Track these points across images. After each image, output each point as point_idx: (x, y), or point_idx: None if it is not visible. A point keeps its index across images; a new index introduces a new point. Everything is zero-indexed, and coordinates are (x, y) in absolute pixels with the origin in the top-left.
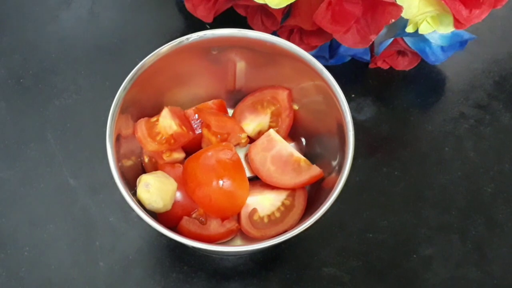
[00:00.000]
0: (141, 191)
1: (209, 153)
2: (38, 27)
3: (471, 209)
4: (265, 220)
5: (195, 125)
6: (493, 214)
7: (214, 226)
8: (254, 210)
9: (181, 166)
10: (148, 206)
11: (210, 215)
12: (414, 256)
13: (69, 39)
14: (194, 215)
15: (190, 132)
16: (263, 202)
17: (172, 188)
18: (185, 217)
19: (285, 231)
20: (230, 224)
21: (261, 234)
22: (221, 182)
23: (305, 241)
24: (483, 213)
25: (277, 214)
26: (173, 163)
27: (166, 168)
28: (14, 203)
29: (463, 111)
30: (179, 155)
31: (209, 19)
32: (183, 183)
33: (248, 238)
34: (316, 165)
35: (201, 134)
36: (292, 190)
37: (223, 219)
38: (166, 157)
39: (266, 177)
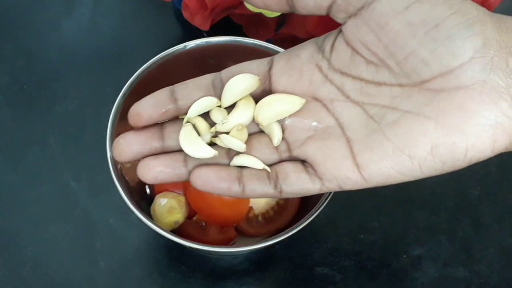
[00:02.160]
0: (170, 214)
1: None
2: (40, 35)
3: (458, 211)
4: (259, 218)
5: None
6: (479, 216)
7: (213, 233)
8: (250, 208)
9: None
10: (174, 226)
11: (212, 224)
12: (404, 256)
13: (70, 47)
14: (194, 219)
15: None
16: (259, 201)
17: (184, 199)
18: (186, 220)
19: (277, 229)
20: (229, 232)
21: (255, 231)
22: None
23: (299, 242)
24: (470, 214)
25: (271, 213)
26: None
27: None
28: (17, 205)
29: None
30: None
31: (205, 27)
32: (184, 193)
33: (243, 237)
34: None
35: None
36: None
37: (222, 227)
38: None
39: None
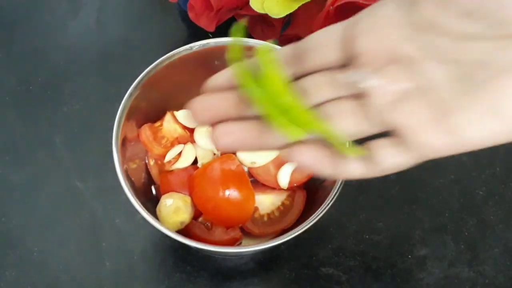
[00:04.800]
0: (176, 215)
1: (215, 166)
2: (46, 36)
3: (463, 211)
4: (265, 218)
5: None
6: (484, 216)
7: (219, 233)
8: (255, 208)
9: (186, 169)
10: (180, 226)
11: (218, 225)
12: (409, 256)
13: (76, 48)
14: (200, 220)
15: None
16: (264, 201)
17: (190, 200)
18: (192, 220)
19: (282, 230)
20: (234, 233)
21: (260, 231)
22: (227, 192)
23: (304, 242)
24: (475, 215)
25: (277, 213)
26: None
27: (172, 174)
28: (24, 206)
29: None
30: None
31: (211, 28)
32: (190, 194)
33: (249, 237)
34: None
35: None
36: (292, 191)
37: (228, 227)
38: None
39: (277, 185)
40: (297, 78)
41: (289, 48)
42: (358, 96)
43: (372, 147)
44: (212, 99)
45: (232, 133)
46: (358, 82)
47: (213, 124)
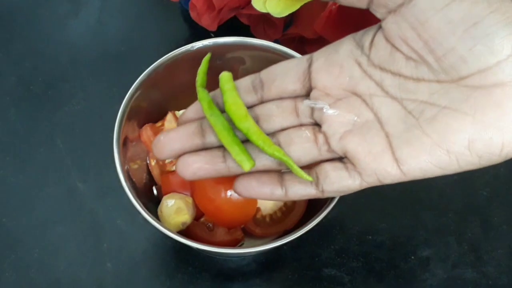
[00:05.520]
0: (177, 216)
1: None
2: (47, 36)
3: (467, 212)
4: (267, 219)
5: None
6: (488, 217)
7: (221, 234)
8: (258, 209)
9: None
10: (182, 227)
11: (220, 225)
12: (412, 257)
13: (77, 47)
14: (202, 220)
15: None
16: (267, 202)
17: (191, 200)
18: (194, 221)
19: (285, 231)
20: (236, 234)
21: (263, 232)
22: (229, 193)
23: (306, 243)
24: (478, 215)
25: (279, 214)
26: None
27: (173, 174)
28: (25, 206)
29: None
30: None
31: (213, 27)
32: (191, 194)
33: (251, 238)
34: None
35: None
36: None
37: (230, 228)
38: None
39: None
40: (261, 103)
41: (251, 77)
42: (315, 125)
43: (323, 170)
44: (175, 132)
45: (193, 163)
46: (315, 110)
47: (178, 156)
